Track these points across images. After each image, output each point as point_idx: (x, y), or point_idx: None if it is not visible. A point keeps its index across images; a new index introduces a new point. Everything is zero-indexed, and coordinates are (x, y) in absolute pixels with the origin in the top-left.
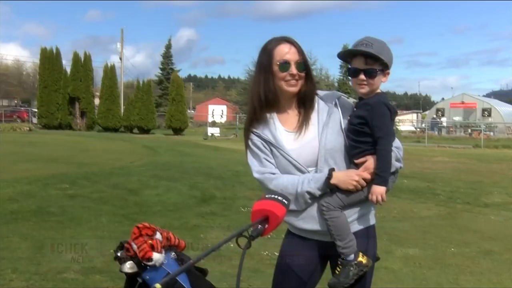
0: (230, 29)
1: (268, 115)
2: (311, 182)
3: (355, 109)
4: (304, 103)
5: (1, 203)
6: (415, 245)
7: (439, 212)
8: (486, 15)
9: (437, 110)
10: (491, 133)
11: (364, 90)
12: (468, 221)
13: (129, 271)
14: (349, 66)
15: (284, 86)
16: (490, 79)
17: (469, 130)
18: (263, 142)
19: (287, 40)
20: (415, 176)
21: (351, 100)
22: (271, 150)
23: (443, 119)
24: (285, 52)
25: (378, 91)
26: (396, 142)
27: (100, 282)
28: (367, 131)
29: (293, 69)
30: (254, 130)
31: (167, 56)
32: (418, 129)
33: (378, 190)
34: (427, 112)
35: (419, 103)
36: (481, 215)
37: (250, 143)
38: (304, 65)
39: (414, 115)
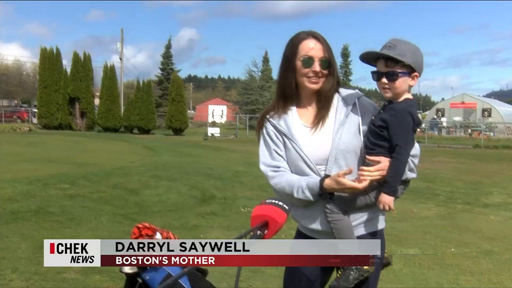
0: (231, 29)
1: (287, 108)
2: (306, 190)
3: (381, 111)
4: (322, 100)
5: (1, 203)
6: (415, 245)
7: (439, 212)
8: (487, 15)
9: (437, 110)
10: (491, 133)
11: (388, 94)
12: (468, 221)
13: (129, 271)
14: (372, 70)
15: (306, 83)
16: (491, 79)
17: (469, 130)
18: (276, 133)
19: (314, 36)
20: None
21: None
22: (284, 141)
23: (443, 119)
24: (310, 47)
25: (408, 96)
26: (415, 149)
27: (100, 282)
28: (386, 136)
29: (316, 66)
30: (271, 119)
31: (167, 56)
32: (418, 129)
33: (386, 200)
34: (427, 112)
35: (419, 103)
36: (481, 215)
37: (264, 131)
38: (328, 62)
39: None
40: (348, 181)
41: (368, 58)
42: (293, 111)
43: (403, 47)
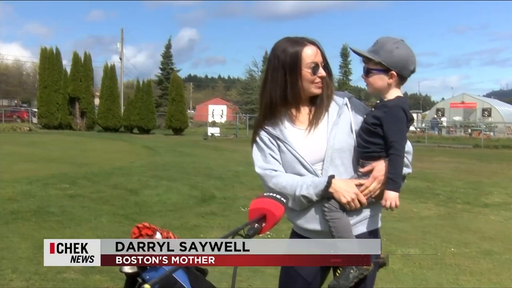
0: (231, 29)
1: (279, 113)
2: (310, 187)
3: (373, 109)
4: (317, 102)
5: (1, 203)
6: (415, 245)
7: (439, 212)
8: (488, 15)
9: (437, 110)
10: (491, 133)
11: (368, 89)
12: (468, 221)
13: (129, 271)
14: None
15: (312, 89)
16: (491, 79)
17: (469, 130)
18: (270, 138)
19: (311, 42)
20: (415, 176)
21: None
22: (278, 145)
23: (443, 119)
24: (313, 54)
25: (399, 93)
26: (407, 147)
27: (100, 282)
28: (380, 133)
29: (322, 72)
30: (265, 126)
31: (167, 56)
32: (418, 129)
33: (392, 196)
34: (427, 112)
35: (419, 103)
36: (481, 215)
37: (257, 138)
38: (327, 66)
39: (414, 115)
40: (358, 191)
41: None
42: (285, 116)
43: (382, 45)
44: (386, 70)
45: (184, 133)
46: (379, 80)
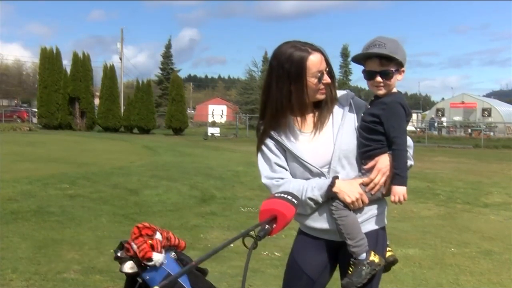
0: (232, 29)
1: (283, 119)
2: (315, 189)
3: (369, 106)
4: (322, 106)
5: (1, 203)
6: (415, 245)
7: (439, 212)
8: (488, 15)
9: (437, 110)
10: (491, 133)
11: (382, 91)
12: (468, 221)
13: (129, 271)
14: (364, 69)
15: (317, 95)
16: (491, 79)
17: (469, 130)
18: (276, 144)
19: (316, 49)
20: (415, 176)
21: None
22: (284, 151)
23: (443, 119)
24: (318, 62)
25: (395, 90)
26: (408, 141)
27: (100, 282)
28: (380, 130)
29: (327, 79)
30: (271, 132)
31: (167, 56)
32: (418, 129)
33: (400, 190)
34: (427, 112)
35: (419, 103)
36: (481, 215)
37: (263, 146)
38: (331, 72)
39: (414, 115)
40: (362, 191)
41: (359, 58)
42: (291, 121)
43: (392, 44)
44: (398, 69)
45: (184, 133)
46: (395, 80)
